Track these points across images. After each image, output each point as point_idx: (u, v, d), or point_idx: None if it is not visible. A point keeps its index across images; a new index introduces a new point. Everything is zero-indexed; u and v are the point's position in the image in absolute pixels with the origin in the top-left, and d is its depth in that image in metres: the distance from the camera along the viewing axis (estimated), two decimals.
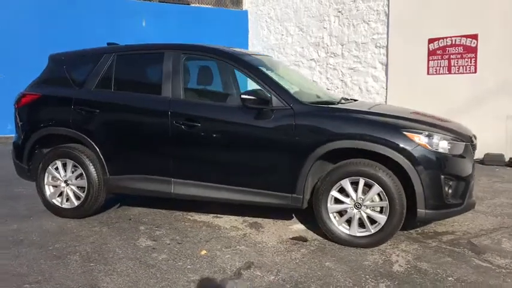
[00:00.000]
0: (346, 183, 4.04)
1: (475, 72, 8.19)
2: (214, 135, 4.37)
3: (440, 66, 8.68)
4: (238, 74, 4.92)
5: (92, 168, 4.75)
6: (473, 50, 8.18)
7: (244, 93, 4.13)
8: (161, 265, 3.72)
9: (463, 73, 8.35)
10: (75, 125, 4.76)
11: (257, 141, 4.25)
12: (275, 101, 4.19)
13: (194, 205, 5.19)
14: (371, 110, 4.31)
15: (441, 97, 8.46)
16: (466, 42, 8.26)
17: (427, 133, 3.93)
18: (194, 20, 13.22)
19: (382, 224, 3.97)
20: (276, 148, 4.19)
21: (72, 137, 4.80)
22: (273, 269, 3.64)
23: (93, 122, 4.71)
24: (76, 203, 4.88)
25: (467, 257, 3.89)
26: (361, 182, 3.99)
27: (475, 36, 8.13)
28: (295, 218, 4.95)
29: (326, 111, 4.23)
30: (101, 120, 4.69)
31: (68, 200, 4.93)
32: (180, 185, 4.52)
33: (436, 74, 8.75)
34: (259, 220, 4.87)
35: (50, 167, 4.90)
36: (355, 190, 4.03)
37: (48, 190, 4.97)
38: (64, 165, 4.88)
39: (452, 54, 8.47)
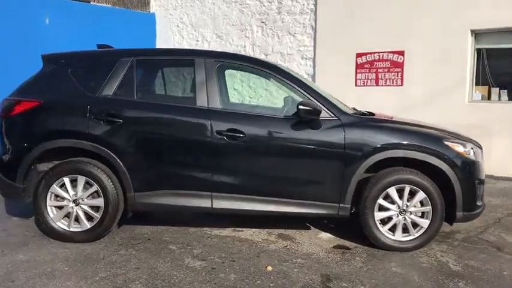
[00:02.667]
0: (392, 191, 4.25)
1: (402, 85, 9.07)
2: (260, 147, 4.26)
3: (367, 79, 9.43)
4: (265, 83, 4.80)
5: (110, 185, 4.25)
6: (400, 65, 9.06)
7: (302, 104, 4.11)
8: (244, 285, 3.52)
9: (390, 85, 9.19)
10: (93, 136, 4.21)
11: (307, 153, 4.25)
12: (323, 112, 4.23)
13: (197, 219, 5.08)
14: (409, 122, 4.58)
15: (369, 107, 9.16)
16: (393, 57, 9.11)
17: (462, 142, 4.33)
18: (94, 20, 12.33)
19: (425, 227, 4.27)
20: (326, 159, 4.25)
21: (87, 150, 4.24)
22: (354, 280, 3.68)
23: (116, 133, 4.23)
24: (88, 224, 4.32)
25: (495, 253, 4.36)
26: (407, 189, 4.24)
27: (401, 53, 9.01)
28: (313, 227, 5.00)
29: (372, 121, 4.40)
30: (126, 132, 4.23)
31: (77, 221, 4.33)
32: (221, 199, 4.30)
33: (364, 85, 9.48)
34: (282, 231, 4.83)
35: (54, 185, 4.26)
36: (400, 197, 4.26)
37: (51, 212, 4.31)
38: (72, 182, 4.27)
39: (380, 68, 9.27)
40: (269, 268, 3.86)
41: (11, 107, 4.29)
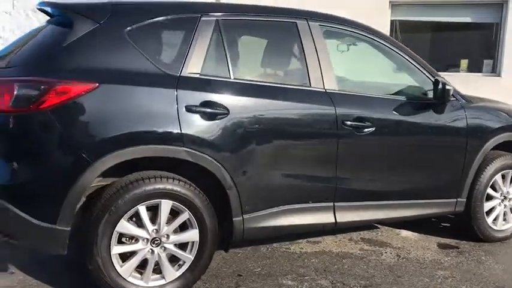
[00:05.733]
0: (499, 178, 3.92)
1: None
2: (389, 138, 3.38)
3: None
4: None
5: (209, 209, 2.84)
6: None
7: (445, 83, 3.36)
8: None
9: None
10: (188, 138, 2.70)
11: (436, 142, 3.58)
12: None
13: None
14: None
15: None
16: None
17: None
18: None
19: None
20: (452, 148, 3.66)
21: (181, 160, 2.72)
22: None
23: (218, 131, 2.79)
24: (177, 272, 2.83)
25: None
26: (510, 174, 3.94)
27: None
28: (379, 225, 4.33)
29: (483, 102, 3.92)
30: (232, 128, 2.82)
31: (157, 272, 2.80)
32: (345, 211, 3.29)
33: None
34: (357, 235, 4.06)
35: (123, 220, 2.64)
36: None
37: (118, 263, 2.68)
38: (149, 211, 2.72)
39: None
40: None
41: (40, 95, 2.43)
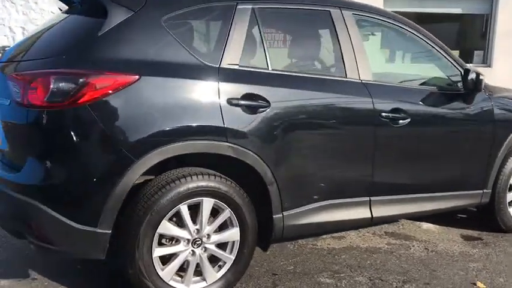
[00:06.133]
0: None
1: None
2: (423, 130, 3.33)
3: None
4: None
5: (249, 206, 2.72)
6: None
7: (478, 73, 3.32)
8: None
9: None
10: (231, 133, 2.57)
11: (467, 133, 3.56)
12: None
13: None
14: None
15: None
16: None
17: None
18: None
19: None
20: (480, 139, 3.65)
21: (226, 156, 2.58)
22: None
23: (259, 125, 2.65)
24: (218, 274, 2.70)
25: None
26: None
27: None
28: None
29: (507, 93, 3.89)
30: (273, 122, 2.68)
31: (197, 274, 2.67)
32: (381, 205, 3.21)
33: None
34: (385, 229, 4.00)
35: (165, 220, 2.49)
36: None
37: (159, 267, 2.53)
38: (191, 209, 2.58)
39: None
40: (480, 285, 3.05)
41: (79, 89, 2.24)
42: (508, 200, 3.88)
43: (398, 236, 3.86)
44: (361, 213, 3.12)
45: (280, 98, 2.71)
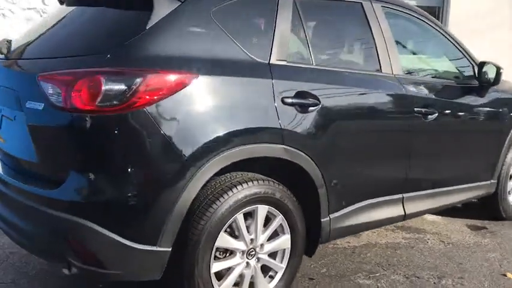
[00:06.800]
0: None
1: None
2: (448, 124, 3.33)
3: None
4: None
5: (299, 212, 2.57)
6: None
7: (498, 66, 3.36)
8: None
9: None
10: (289, 134, 2.39)
11: (482, 125, 3.64)
12: None
13: None
14: None
15: None
16: None
17: None
18: None
19: None
20: (492, 131, 3.74)
21: (280, 158, 2.40)
22: None
23: (311, 126, 2.49)
24: (270, 285, 2.54)
25: None
26: None
27: None
28: None
29: (509, 85, 3.99)
30: (324, 122, 2.53)
31: (250, 286, 2.48)
32: (412, 202, 3.18)
33: None
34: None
35: (223, 232, 2.29)
36: None
37: (215, 281, 2.33)
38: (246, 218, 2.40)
39: None
40: (510, 276, 3.11)
41: (136, 90, 1.97)
42: (508, 189, 3.99)
43: (409, 229, 3.86)
44: (395, 210, 3.06)
45: (328, 96, 2.57)
